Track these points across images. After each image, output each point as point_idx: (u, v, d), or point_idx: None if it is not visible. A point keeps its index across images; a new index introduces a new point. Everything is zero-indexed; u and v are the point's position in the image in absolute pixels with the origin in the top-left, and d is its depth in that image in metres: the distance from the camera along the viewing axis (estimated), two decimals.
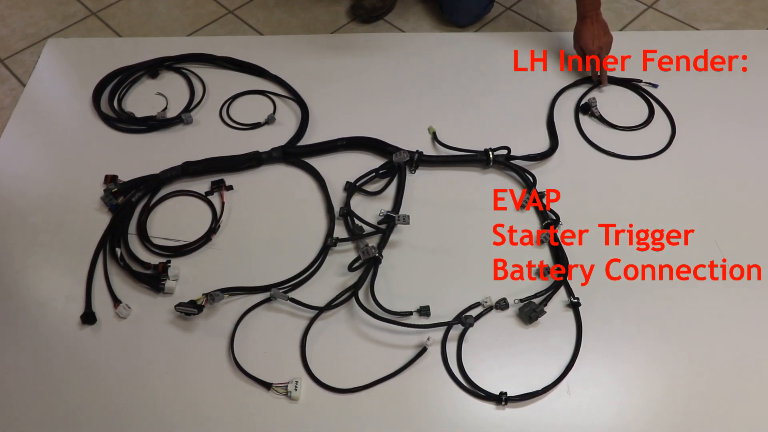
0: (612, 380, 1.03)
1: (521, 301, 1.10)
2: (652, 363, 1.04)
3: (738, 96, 1.48)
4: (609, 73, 1.51)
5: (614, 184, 1.30)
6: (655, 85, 1.49)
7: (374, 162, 1.32)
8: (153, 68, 1.51)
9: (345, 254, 1.18)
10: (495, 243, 1.20)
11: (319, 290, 1.12)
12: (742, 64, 1.55)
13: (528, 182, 1.28)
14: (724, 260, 1.17)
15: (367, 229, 1.19)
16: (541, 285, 1.13)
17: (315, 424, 0.97)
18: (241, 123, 1.41)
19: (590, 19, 1.43)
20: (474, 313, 1.09)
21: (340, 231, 1.21)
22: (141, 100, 1.46)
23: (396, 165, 1.27)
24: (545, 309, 1.08)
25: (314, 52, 1.58)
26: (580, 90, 1.50)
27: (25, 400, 1.00)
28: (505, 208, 1.25)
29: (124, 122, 1.40)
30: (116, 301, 1.09)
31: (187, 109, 1.43)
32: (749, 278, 1.15)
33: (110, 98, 1.44)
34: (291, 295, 1.10)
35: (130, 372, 1.02)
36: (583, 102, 1.45)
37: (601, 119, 1.42)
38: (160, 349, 1.05)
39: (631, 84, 1.50)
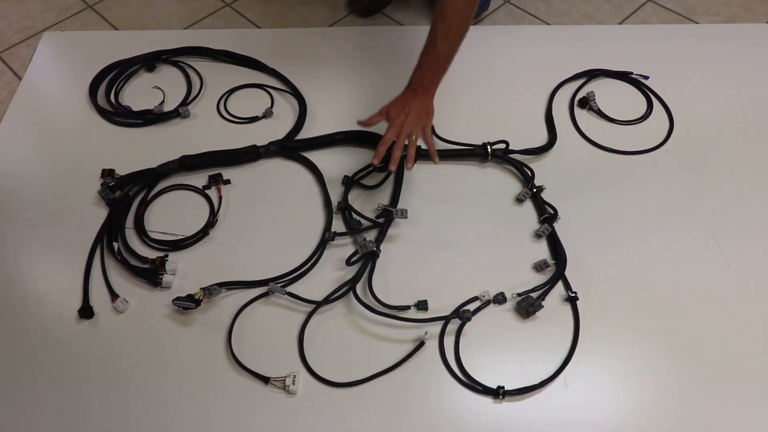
0: (609, 374, 1.03)
1: (519, 295, 1.10)
2: (649, 357, 1.04)
3: (737, 89, 1.48)
4: (603, 66, 1.50)
5: (613, 177, 1.30)
6: (646, 77, 1.49)
7: (372, 156, 1.32)
8: (150, 61, 1.50)
9: (343, 248, 1.18)
10: (493, 237, 1.20)
11: (316, 284, 1.12)
12: (742, 58, 1.55)
13: (526, 176, 1.28)
14: (722, 254, 1.17)
15: (365, 223, 1.19)
16: (538, 279, 1.13)
17: (313, 417, 0.98)
18: (239, 117, 1.40)
19: (414, 92, 1.16)
20: (472, 307, 1.09)
21: (338, 225, 1.21)
22: (138, 94, 1.45)
23: None
24: (543, 303, 1.08)
25: (312, 45, 1.57)
26: (578, 84, 1.49)
27: (22, 393, 1.00)
28: (503, 202, 1.25)
29: (121, 116, 1.39)
30: (114, 295, 1.09)
31: (185, 102, 1.43)
32: (747, 272, 1.15)
33: (107, 92, 1.44)
34: (289, 289, 1.10)
35: (128, 366, 1.02)
36: (581, 96, 1.45)
37: (600, 113, 1.42)
38: (157, 344, 1.05)
39: (629, 78, 1.50)
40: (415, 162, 1.13)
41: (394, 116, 1.13)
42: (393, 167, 1.12)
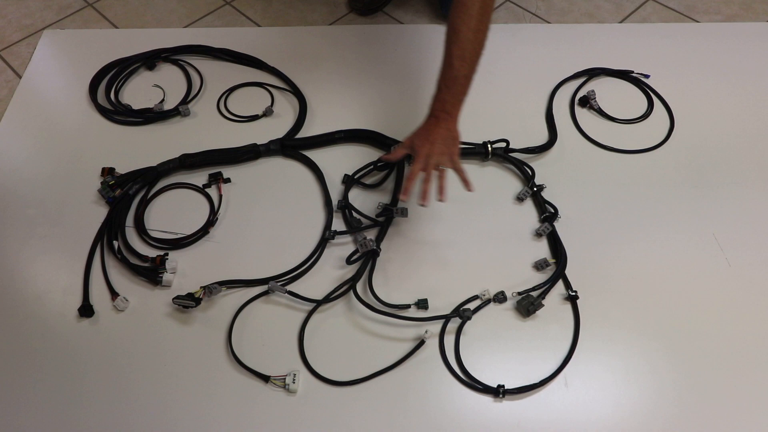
0: (609, 373, 1.03)
1: (519, 294, 1.10)
2: (649, 356, 1.04)
3: (737, 88, 1.48)
4: (603, 64, 1.50)
5: (613, 176, 1.30)
6: (647, 75, 1.49)
7: (372, 155, 1.32)
8: (150, 60, 1.50)
9: (343, 247, 1.17)
10: (493, 236, 1.19)
11: (317, 283, 1.12)
12: (742, 57, 1.55)
13: (527, 175, 1.27)
14: (723, 254, 1.17)
15: (366, 222, 1.19)
16: (539, 278, 1.13)
17: (313, 416, 0.98)
18: (239, 115, 1.40)
19: (437, 119, 1.07)
20: (472, 306, 1.09)
21: (338, 224, 1.20)
22: (138, 92, 1.45)
23: None
24: (543, 302, 1.08)
25: (312, 43, 1.57)
26: (579, 82, 1.49)
27: (22, 392, 1.00)
28: (503, 201, 1.25)
29: (121, 114, 1.39)
30: (114, 294, 1.09)
31: (185, 101, 1.42)
32: (748, 272, 1.15)
33: (107, 90, 1.44)
34: (289, 288, 1.10)
35: (128, 365, 1.02)
36: (582, 95, 1.45)
37: (600, 112, 1.42)
38: (157, 342, 1.05)
39: (629, 76, 1.50)
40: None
41: (419, 147, 1.05)
42: (426, 203, 1.03)
